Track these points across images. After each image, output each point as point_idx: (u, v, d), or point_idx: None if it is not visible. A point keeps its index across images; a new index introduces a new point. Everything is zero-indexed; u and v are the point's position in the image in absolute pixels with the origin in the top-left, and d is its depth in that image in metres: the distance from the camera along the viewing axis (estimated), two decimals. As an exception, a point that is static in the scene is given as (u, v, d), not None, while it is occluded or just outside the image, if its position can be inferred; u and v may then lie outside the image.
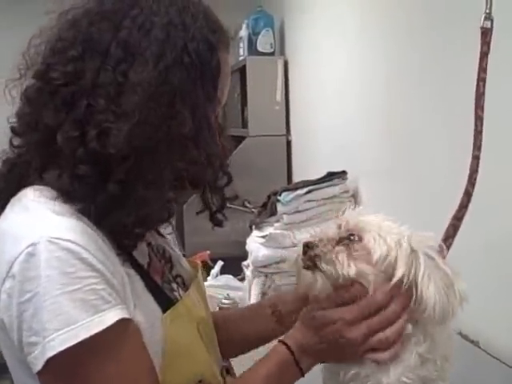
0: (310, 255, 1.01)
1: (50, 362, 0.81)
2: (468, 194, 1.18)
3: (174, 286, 1.12)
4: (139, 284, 0.97)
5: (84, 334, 0.81)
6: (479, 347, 1.76)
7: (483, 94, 1.17)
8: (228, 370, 1.24)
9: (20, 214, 0.91)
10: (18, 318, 0.83)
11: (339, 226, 1.06)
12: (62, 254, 0.83)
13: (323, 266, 1.00)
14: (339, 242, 1.02)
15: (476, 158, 1.18)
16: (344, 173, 2.67)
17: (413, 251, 1.00)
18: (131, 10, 0.95)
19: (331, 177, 2.64)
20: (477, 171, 1.18)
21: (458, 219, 1.17)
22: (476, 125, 1.17)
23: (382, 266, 0.99)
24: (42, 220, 0.88)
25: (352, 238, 1.02)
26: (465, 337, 1.80)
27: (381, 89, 2.47)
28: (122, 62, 0.92)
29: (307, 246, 1.03)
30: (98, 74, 0.91)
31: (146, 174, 0.92)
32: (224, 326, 1.27)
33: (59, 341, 0.81)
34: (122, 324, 0.86)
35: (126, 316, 0.87)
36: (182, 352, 1.01)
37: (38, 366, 0.82)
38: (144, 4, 0.96)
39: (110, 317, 0.84)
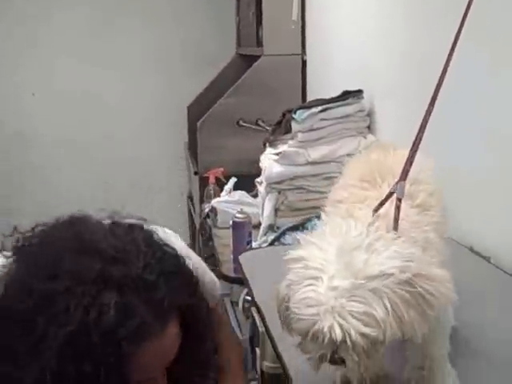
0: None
1: None
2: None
3: None
4: None
5: None
6: (490, 263, 1.78)
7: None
8: None
9: None
10: None
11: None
12: None
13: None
14: None
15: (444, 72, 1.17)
16: (360, 92, 2.65)
17: None
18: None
19: (346, 96, 2.62)
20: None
21: (423, 130, 1.15)
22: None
23: None
24: None
25: None
26: (477, 253, 1.82)
27: (401, 8, 2.41)
28: None
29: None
30: None
31: None
32: None
33: None
34: None
35: None
36: None
37: None
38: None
39: None
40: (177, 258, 1.03)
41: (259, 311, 1.46)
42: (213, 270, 1.49)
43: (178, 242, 1.24)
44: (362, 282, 0.89)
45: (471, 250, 1.82)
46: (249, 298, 1.89)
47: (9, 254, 1.02)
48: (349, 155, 2.58)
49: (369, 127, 2.68)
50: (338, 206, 1.17)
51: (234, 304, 2.39)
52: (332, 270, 0.90)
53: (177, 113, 4.40)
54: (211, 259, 2.47)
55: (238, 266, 1.93)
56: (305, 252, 0.96)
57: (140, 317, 0.91)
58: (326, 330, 0.86)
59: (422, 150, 1.12)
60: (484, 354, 1.30)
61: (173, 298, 0.96)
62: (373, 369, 1.20)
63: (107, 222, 1.07)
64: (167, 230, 1.25)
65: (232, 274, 2.11)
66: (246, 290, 2.05)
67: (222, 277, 1.65)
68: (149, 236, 1.03)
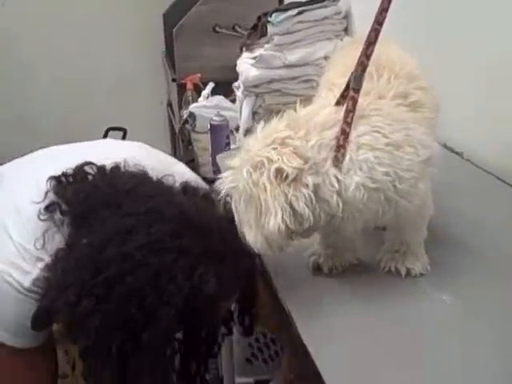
0: None
1: None
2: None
3: None
4: None
5: None
6: (463, 158, 1.84)
7: None
8: None
9: None
10: None
11: None
12: None
13: None
14: None
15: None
16: (336, -7, 2.61)
17: None
18: None
19: (323, -2, 2.59)
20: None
21: (379, 24, 1.15)
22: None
23: None
24: None
25: None
26: (450, 149, 1.87)
27: None
28: None
29: None
30: None
31: None
32: None
33: None
34: None
35: None
36: None
37: None
38: None
39: None
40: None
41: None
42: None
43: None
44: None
45: (445, 146, 1.86)
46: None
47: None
48: (326, 58, 2.58)
49: (346, 30, 2.66)
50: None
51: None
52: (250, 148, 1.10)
53: (153, 21, 4.31)
54: (191, 163, 2.49)
55: (216, 168, 1.96)
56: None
57: (229, 281, 1.10)
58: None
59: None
60: (456, 240, 1.36)
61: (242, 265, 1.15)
62: (347, 258, 1.26)
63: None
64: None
65: (211, 176, 2.14)
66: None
67: (202, 179, 1.70)
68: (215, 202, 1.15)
